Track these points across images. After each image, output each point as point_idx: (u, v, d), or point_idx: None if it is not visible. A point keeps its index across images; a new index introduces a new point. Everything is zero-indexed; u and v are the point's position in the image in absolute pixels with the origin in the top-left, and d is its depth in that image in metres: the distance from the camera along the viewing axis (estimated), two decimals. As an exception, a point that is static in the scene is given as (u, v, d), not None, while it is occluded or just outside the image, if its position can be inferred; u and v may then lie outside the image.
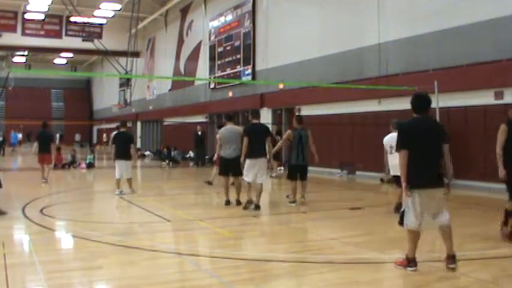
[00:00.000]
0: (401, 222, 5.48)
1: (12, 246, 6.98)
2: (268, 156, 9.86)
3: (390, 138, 8.71)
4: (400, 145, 5.35)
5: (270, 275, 5.51)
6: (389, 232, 7.73)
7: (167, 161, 24.04)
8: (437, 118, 12.75)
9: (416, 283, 5.05)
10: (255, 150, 9.44)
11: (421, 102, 5.51)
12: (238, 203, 10.00)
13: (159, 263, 5.95)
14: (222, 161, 10.46)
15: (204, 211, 10.06)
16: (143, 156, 31.73)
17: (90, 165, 21.39)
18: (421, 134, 5.40)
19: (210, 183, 13.88)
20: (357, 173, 16.61)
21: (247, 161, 9.56)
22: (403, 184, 5.28)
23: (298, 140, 10.12)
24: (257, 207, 9.52)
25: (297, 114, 12.69)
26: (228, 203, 10.09)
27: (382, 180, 14.67)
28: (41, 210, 9.51)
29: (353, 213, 9.39)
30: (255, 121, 9.91)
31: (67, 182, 15.33)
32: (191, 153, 24.39)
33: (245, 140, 9.46)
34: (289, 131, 10.65)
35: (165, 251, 6.53)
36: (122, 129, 12.80)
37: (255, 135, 9.53)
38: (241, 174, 9.89)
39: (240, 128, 10.39)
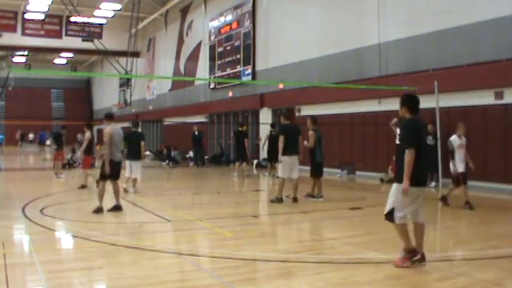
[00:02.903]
0: (390, 219, 5.55)
1: (12, 246, 6.97)
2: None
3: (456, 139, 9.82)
4: (410, 143, 5.44)
5: (270, 275, 5.51)
6: (390, 232, 7.71)
7: (167, 161, 24.04)
8: (437, 118, 12.77)
9: (417, 283, 5.05)
10: (290, 149, 10.42)
11: (418, 103, 5.83)
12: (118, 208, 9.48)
13: (159, 263, 5.96)
14: (113, 165, 9.32)
15: (204, 211, 10.06)
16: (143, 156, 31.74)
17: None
18: (423, 134, 5.71)
19: (84, 186, 13.37)
20: (357, 173, 16.61)
21: (283, 159, 10.44)
22: (406, 181, 5.35)
23: (318, 140, 11.00)
24: (295, 199, 10.43)
25: (310, 115, 12.96)
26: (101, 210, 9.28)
27: (382, 180, 14.68)
28: (41, 210, 9.51)
29: (353, 213, 9.40)
30: (287, 122, 10.99)
31: (67, 182, 15.34)
32: (191, 153, 24.39)
33: (281, 138, 10.47)
34: (313, 132, 10.99)
35: (165, 251, 6.53)
36: (134, 129, 12.92)
37: (290, 135, 10.54)
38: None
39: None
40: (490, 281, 4.99)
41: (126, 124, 41.88)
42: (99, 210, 9.15)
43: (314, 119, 11.29)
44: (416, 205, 5.54)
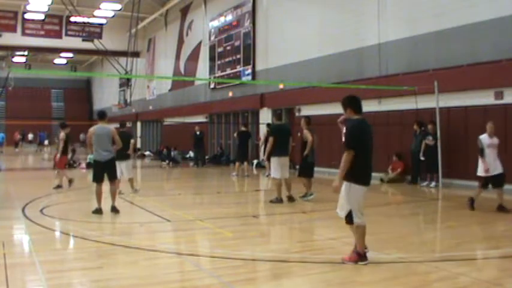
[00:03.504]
0: (350, 221, 5.66)
1: (12, 246, 6.98)
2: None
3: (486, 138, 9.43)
4: (351, 145, 5.55)
5: (270, 275, 5.51)
6: (389, 232, 7.73)
7: (167, 161, 24.04)
8: (437, 118, 12.79)
9: (416, 283, 5.05)
10: (282, 149, 10.49)
11: (360, 103, 5.83)
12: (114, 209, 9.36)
13: (159, 263, 5.96)
14: (97, 166, 9.30)
15: (204, 211, 10.06)
16: (143, 156, 31.74)
17: (90, 165, 21.36)
18: (368, 135, 5.75)
19: (59, 186, 13.33)
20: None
21: (275, 159, 10.48)
22: (339, 180, 5.54)
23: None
24: (290, 198, 10.51)
25: (304, 115, 12.98)
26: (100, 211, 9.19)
27: (382, 180, 14.68)
28: (41, 210, 9.51)
29: (353, 213, 9.37)
30: (278, 122, 11.07)
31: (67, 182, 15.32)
32: (191, 153, 24.40)
33: (271, 139, 10.57)
34: (307, 131, 10.93)
35: (165, 251, 6.52)
36: (122, 130, 12.74)
37: (281, 136, 10.59)
38: (116, 177, 9.56)
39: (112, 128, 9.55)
40: (490, 281, 4.99)
41: (126, 124, 41.85)
42: (97, 211, 9.12)
43: (308, 119, 11.24)
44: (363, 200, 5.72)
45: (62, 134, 13.57)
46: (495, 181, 9.21)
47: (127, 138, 12.24)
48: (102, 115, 9.44)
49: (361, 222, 5.64)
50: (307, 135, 10.80)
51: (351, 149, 5.52)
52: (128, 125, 40.30)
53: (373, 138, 5.77)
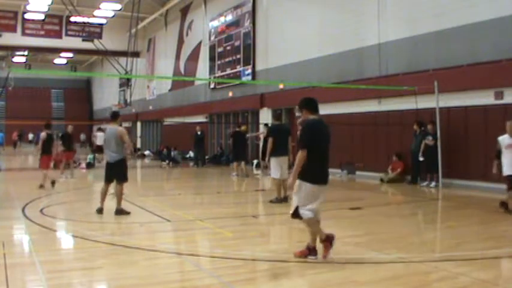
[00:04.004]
0: (296, 216, 5.74)
1: (12, 246, 6.97)
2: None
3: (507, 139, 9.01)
4: (304, 144, 5.67)
5: (270, 275, 5.51)
6: (389, 232, 7.74)
7: (167, 161, 24.04)
8: (437, 118, 12.79)
9: (417, 283, 5.05)
10: (281, 149, 10.47)
11: (315, 103, 6.02)
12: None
13: (159, 263, 5.96)
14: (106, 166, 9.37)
15: (204, 211, 10.06)
16: (143, 156, 31.76)
17: (89, 165, 21.40)
18: (323, 135, 5.86)
19: (42, 186, 13.20)
20: (357, 173, 16.62)
21: (274, 159, 10.47)
22: (292, 178, 5.67)
23: None
24: (285, 199, 10.38)
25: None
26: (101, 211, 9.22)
27: (382, 180, 14.68)
28: (41, 210, 9.50)
29: (353, 213, 9.39)
30: (277, 122, 10.97)
31: (67, 182, 15.33)
32: (191, 153, 24.40)
33: (270, 140, 10.59)
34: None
35: (165, 251, 6.52)
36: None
37: (280, 136, 10.56)
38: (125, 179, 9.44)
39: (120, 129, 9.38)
40: (490, 281, 4.99)
41: (126, 124, 41.93)
42: (98, 211, 9.11)
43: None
44: (320, 202, 5.77)
45: (43, 134, 13.60)
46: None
47: None
48: (113, 116, 9.44)
49: (311, 217, 5.69)
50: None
51: (304, 149, 5.64)
52: (128, 125, 40.40)
53: (330, 138, 5.90)
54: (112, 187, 9.33)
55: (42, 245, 6.76)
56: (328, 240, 5.77)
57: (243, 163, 17.34)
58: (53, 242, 7.35)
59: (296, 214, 5.73)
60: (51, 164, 14.06)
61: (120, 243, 6.81)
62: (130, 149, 9.78)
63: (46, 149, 13.58)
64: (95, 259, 6.01)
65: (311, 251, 5.78)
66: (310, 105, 6.00)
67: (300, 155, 5.63)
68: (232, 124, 23.98)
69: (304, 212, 5.65)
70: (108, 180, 9.22)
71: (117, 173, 9.15)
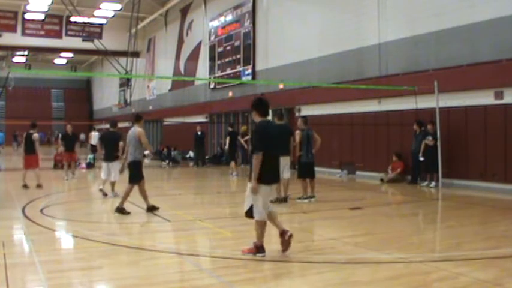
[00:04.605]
0: (250, 215, 6.04)
1: (12, 246, 6.98)
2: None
3: None
4: (257, 148, 5.88)
5: (270, 275, 5.51)
6: (389, 232, 7.74)
7: (167, 161, 24.04)
8: (437, 118, 12.79)
9: (416, 283, 5.05)
10: (282, 149, 10.33)
11: (264, 106, 6.14)
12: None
13: (159, 263, 5.96)
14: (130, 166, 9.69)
15: (204, 211, 10.06)
16: (143, 156, 31.72)
17: (89, 165, 21.40)
18: (273, 135, 6.06)
19: (39, 185, 13.38)
20: (357, 173, 16.62)
21: None
22: (254, 182, 5.86)
23: (306, 140, 10.69)
24: (284, 199, 10.41)
25: (301, 115, 12.92)
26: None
27: (382, 180, 14.69)
28: (41, 210, 9.51)
29: (353, 213, 9.39)
30: (279, 122, 10.72)
31: (67, 182, 15.34)
32: (191, 153, 24.40)
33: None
34: (298, 132, 10.80)
35: (165, 251, 6.53)
36: (111, 130, 12.46)
37: (280, 135, 10.27)
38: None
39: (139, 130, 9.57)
40: (490, 281, 4.99)
41: (126, 124, 42.00)
42: (119, 210, 9.15)
43: (305, 119, 11.07)
44: (269, 200, 6.13)
45: (36, 135, 13.89)
46: None
47: (115, 139, 12.01)
48: (137, 118, 9.78)
49: (260, 218, 5.95)
50: (296, 136, 10.74)
51: (258, 152, 5.83)
52: (128, 125, 40.40)
53: (282, 138, 6.04)
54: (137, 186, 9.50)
55: (42, 245, 6.76)
56: (256, 248, 5.96)
57: (232, 163, 17.50)
58: (53, 242, 7.35)
59: (250, 213, 5.97)
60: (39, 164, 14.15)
61: (120, 243, 6.81)
62: (150, 149, 10.16)
63: (32, 148, 13.72)
64: (95, 259, 6.02)
65: (258, 248, 5.96)
66: (259, 107, 6.11)
67: (256, 160, 5.82)
68: (233, 124, 23.99)
69: (258, 212, 5.93)
70: (132, 180, 9.49)
71: (130, 173, 9.47)
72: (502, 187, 11.87)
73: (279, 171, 5.99)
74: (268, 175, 5.89)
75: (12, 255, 6.16)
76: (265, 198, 5.96)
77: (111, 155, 11.70)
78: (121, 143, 11.89)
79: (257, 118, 6.10)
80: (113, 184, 11.70)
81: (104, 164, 11.93)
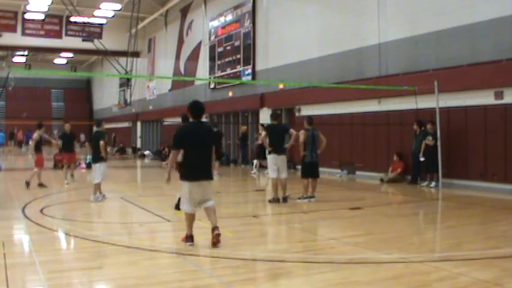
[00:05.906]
0: (178, 208, 6.61)
1: (12, 246, 6.97)
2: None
3: None
4: (173, 146, 6.64)
5: (270, 275, 5.51)
6: (389, 232, 7.74)
7: (167, 161, 24.02)
8: (437, 118, 12.79)
9: (416, 283, 5.05)
10: (277, 148, 10.56)
11: (198, 109, 6.61)
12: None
13: (159, 263, 5.96)
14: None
15: (203, 211, 10.03)
16: (143, 156, 31.77)
17: (89, 165, 21.36)
18: (197, 136, 6.49)
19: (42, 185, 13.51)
20: (357, 173, 16.62)
21: (270, 159, 10.68)
22: (166, 174, 6.81)
23: (311, 140, 10.71)
24: (284, 199, 10.46)
25: (307, 115, 13.01)
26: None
27: (382, 180, 14.69)
28: (41, 210, 9.50)
29: (353, 213, 9.39)
30: (274, 122, 10.98)
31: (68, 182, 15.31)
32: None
33: (263, 138, 11.12)
34: (303, 131, 10.77)
35: (165, 251, 6.53)
36: (97, 129, 12.02)
37: (275, 134, 10.67)
38: None
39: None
40: (490, 281, 4.98)
41: (126, 124, 41.89)
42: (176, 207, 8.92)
43: (310, 119, 11.03)
44: (198, 196, 6.50)
45: (35, 135, 13.89)
46: None
47: (97, 138, 11.14)
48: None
49: (187, 210, 6.51)
50: (300, 136, 10.70)
51: (174, 149, 6.62)
52: (128, 125, 40.43)
53: (204, 139, 6.50)
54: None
55: (42, 245, 6.76)
56: (188, 238, 6.50)
57: (217, 162, 17.76)
58: (53, 242, 7.34)
59: (178, 207, 6.54)
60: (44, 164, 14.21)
61: (120, 243, 6.81)
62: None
63: (38, 148, 13.87)
64: (95, 259, 6.01)
65: (187, 238, 6.51)
66: (191, 110, 6.59)
67: (171, 156, 6.70)
68: (233, 124, 24.01)
69: (184, 205, 6.52)
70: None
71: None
72: (502, 187, 11.87)
73: (202, 169, 6.46)
74: (189, 172, 6.45)
75: (12, 255, 6.15)
76: (191, 194, 6.44)
77: (96, 156, 11.08)
78: (101, 142, 10.93)
79: (189, 119, 6.75)
80: (96, 187, 11.01)
81: (93, 166, 11.40)
